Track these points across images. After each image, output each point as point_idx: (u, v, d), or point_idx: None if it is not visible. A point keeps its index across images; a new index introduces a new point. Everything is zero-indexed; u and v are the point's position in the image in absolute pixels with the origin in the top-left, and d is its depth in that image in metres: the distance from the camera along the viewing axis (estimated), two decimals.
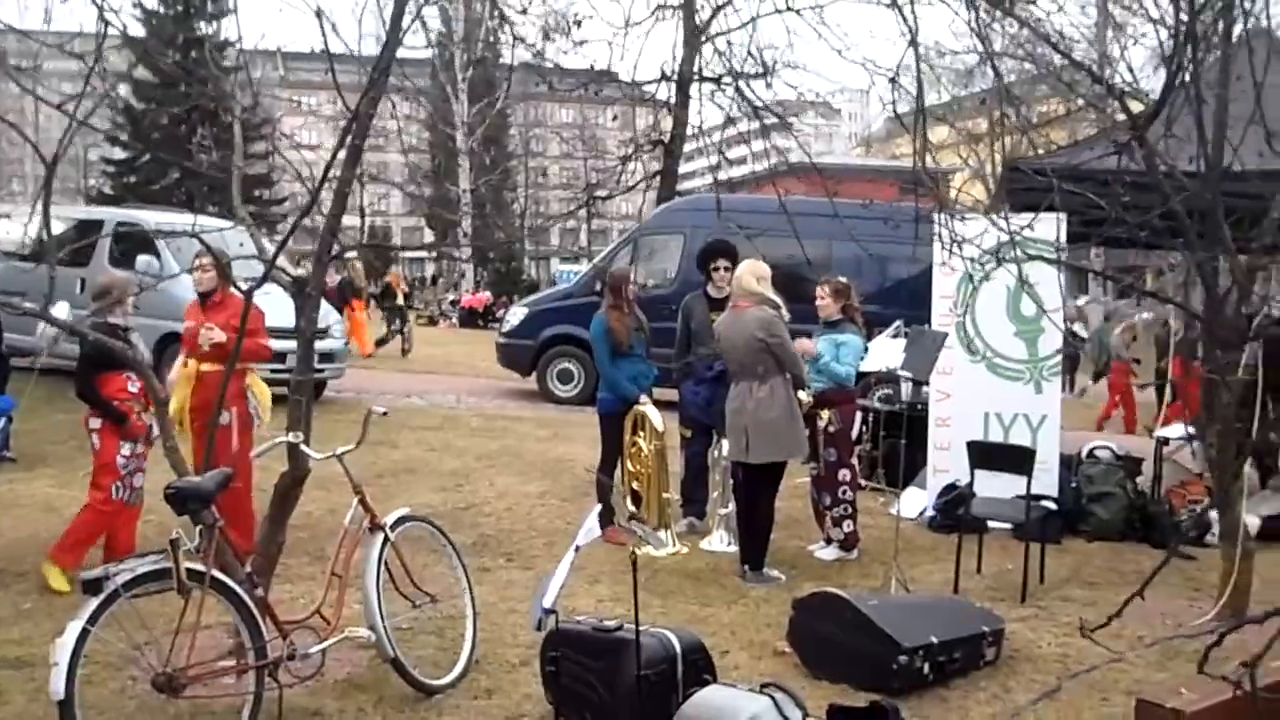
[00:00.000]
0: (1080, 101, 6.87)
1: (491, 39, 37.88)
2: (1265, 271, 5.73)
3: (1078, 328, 21.59)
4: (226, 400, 6.51)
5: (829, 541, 7.31)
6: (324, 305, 13.99)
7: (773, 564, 6.79)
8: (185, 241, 9.76)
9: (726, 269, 7.66)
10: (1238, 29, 6.04)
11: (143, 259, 11.71)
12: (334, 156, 4.25)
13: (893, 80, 3.19)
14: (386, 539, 4.73)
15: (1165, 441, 8.59)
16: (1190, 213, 5.61)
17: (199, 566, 3.88)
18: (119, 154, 34.34)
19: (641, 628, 4.36)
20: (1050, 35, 5.29)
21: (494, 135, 47.99)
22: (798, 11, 5.57)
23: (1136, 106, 5.68)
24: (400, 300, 23.64)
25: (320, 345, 12.64)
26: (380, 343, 21.93)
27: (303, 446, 4.62)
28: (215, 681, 4.03)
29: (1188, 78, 5.32)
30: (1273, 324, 6.37)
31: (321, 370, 12.97)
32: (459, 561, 5.19)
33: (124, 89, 31.49)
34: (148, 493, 6.07)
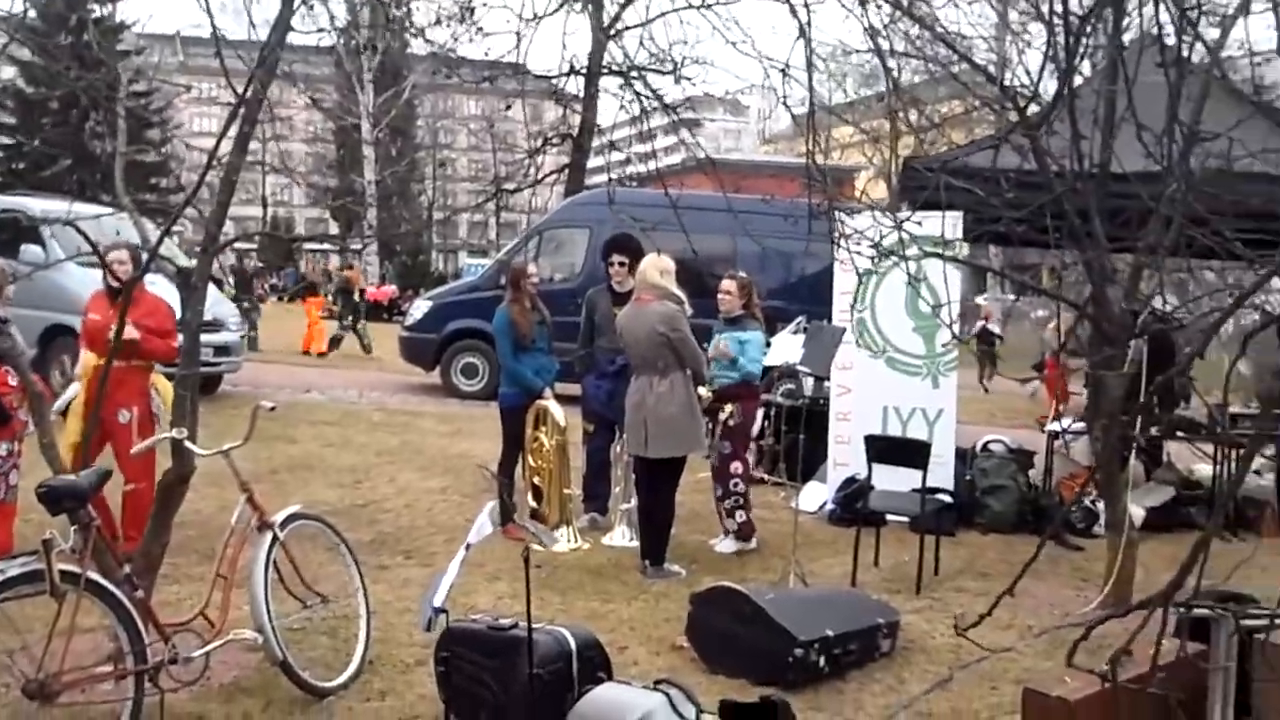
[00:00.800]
0: (976, 102, 6.98)
1: (397, 28, 37.34)
2: (1150, 270, 5.88)
3: (994, 325, 22.06)
4: (128, 398, 6.31)
5: (726, 534, 7.35)
6: (217, 296, 13.60)
7: (674, 559, 6.79)
8: (74, 231, 9.41)
9: (623, 264, 7.65)
10: (1126, 36, 6.21)
11: (29, 249, 11.29)
12: (217, 144, 4.11)
13: (783, 71, 3.19)
14: (275, 538, 4.60)
15: (1056, 435, 8.81)
16: (1081, 213, 5.75)
17: (74, 568, 3.72)
18: (4, 140, 33.07)
19: (537, 625, 4.31)
20: (948, 36, 5.36)
21: (401, 126, 47.33)
22: (700, 8, 5.54)
23: (1035, 108, 5.79)
24: (357, 298, 22.84)
25: (216, 338, 12.36)
26: (335, 342, 21.16)
27: (187, 443, 4.46)
28: (92, 687, 3.87)
29: (1078, 82, 5.45)
30: (1156, 321, 6.55)
31: (217, 364, 12.66)
32: (352, 560, 5.08)
33: (11, 71, 30.32)
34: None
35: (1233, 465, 8.09)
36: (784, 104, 3.58)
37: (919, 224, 5.48)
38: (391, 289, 37.88)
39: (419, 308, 16.23)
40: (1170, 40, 5.29)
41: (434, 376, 15.44)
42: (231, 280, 22.76)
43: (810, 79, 3.06)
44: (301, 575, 4.77)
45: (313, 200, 59.97)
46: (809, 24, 2.97)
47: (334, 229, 56.35)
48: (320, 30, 21.02)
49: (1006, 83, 6.13)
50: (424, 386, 15.62)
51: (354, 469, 9.46)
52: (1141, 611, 2.25)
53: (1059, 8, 5.27)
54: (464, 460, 9.91)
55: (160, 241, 4.55)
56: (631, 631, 5.60)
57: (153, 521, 4.67)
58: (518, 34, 6.83)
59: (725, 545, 7.30)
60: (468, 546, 3.80)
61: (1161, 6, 4.70)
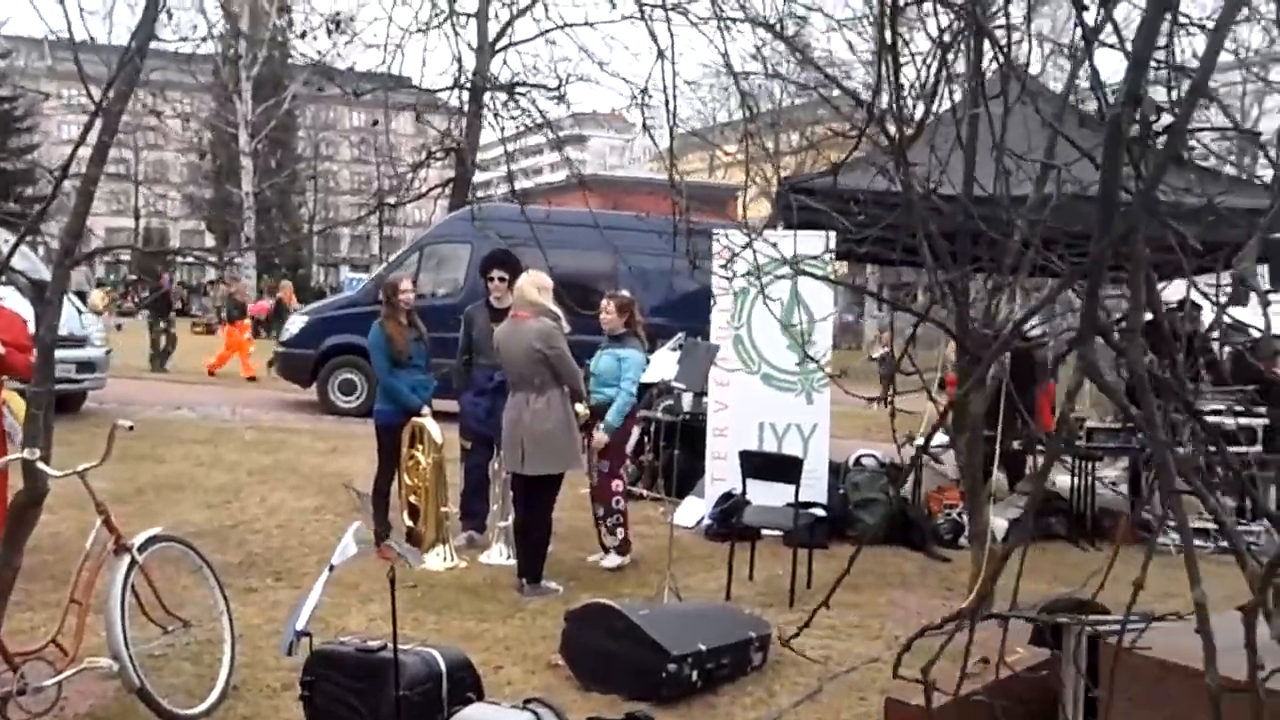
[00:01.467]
0: (847, 125, 7.17)
1: (280, 38, 36.62)
2: (1010, 289, 6.11)
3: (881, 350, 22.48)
4: None
5: (607, 551, 7.37)
6: (72, 311, 13.03)
7: (551, 576, 6.78)
8: None
9: (502, 280, 7.61)
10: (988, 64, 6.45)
11: None
12: (73, 153, 3.98)
13: (640, 94, 3.24)
14: (134, 561, 4.45)
15: (925, 449, 9.04)
16: (945, 234, 5.94)
17: None
18: None
19: (407, 646, 4.26)
20: (816, 60, 5.51)
21: (281, 137, 46.37)
22: (562, 28, 5.58)
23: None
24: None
25: (79, 354, 11.92)
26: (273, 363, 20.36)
27: (39, 464, 4.29)
28: None
29: (945, 106, 5.64)
30: (1018, 339, 6.80)
31: (80, 381, 12.20)
32: (216, 583, 4.94)
33: None
34: None
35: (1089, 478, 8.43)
36: (644, 127, 3.62)
37: (773, 244, 5.59)
38: (268, 303, 36.88)
39: (295, 323, 15.91)
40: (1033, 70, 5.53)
41: (311, 393, 15.14)
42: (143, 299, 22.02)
43: (668, 100, 3.11)
44: (162, 600, 4.62)
45: (189, 211, 58.34)
46: (672, 44, 3.03)
47: (210, 241, 54.92)
48: (183, 39, 20.40)
49: (883, 105, 6.31)
50: (300, 403, 15.28)
51: (224, 488, 9.20)
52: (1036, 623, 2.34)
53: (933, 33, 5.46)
54: (340, 478, 9.71)
55: (12, 253, 4.36)
56: (507, 650, 5.57)
57: (3, 545, 4.46)
58: (399, 46, 6.77)
59: (610, 560, 7.32)
60: (331, 568, 3.74)
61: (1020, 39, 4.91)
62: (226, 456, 10.75)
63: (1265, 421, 8.31)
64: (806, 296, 8.19)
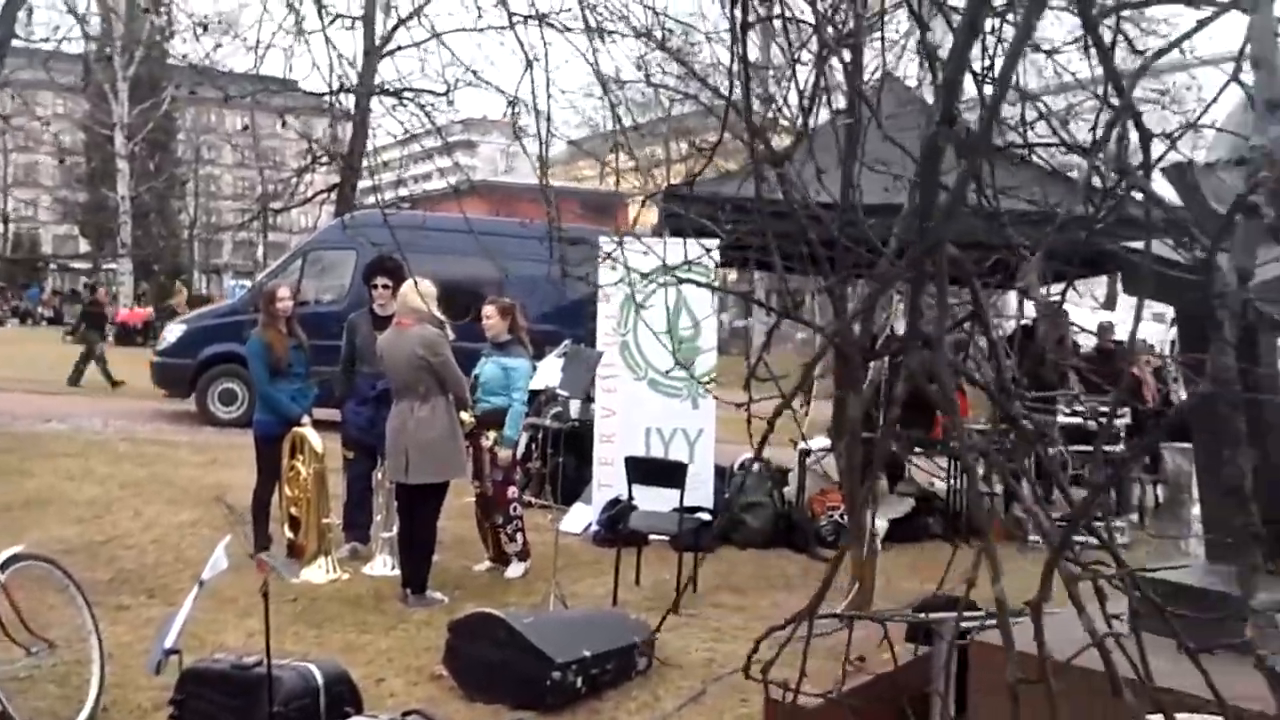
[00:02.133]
0: (728, 134, 7.28)
1: (157, 37, 35.49)
2: (887, 296, 6.25)
3: None
4: None
5: (506, 560, 7.35)
6: None
7: (436, 586, 6.71)
8: None
9: (386, 287, 7.52)
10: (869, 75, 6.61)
11: None
12: None
13: (512, 103, 3.25)
14: None
15: (808, 453, 9.22)
16: (824, 241, 6.07)
17: None
18: None
19: (283, 661, 4.18)
20: (697, 70, 5.58)
21: (159, 139, 44.90)
22: (433, 39, 5.54)
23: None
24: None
25: None
26: (78, 374, 19.35)
27: None
28: None
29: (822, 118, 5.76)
30: (895, 342, 6.97)
31: None
32: (84, 601, 4.77)
33: None
34: None
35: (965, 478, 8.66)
36: (516, 135, 3.63)
37: (645, 250, 5.65)
38: (147, 310, 35.70)
39: (173, 331, 15.45)
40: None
41: (189, 403, 14.72)
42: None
43: (536, 107, 3.12)
44: (25, 620, 4.44)
45: (61, 215, 56.13)
46: (546, 53, 3.04)
47: (85, 247, 52.95)
48: (55, 40, 19.63)
49: (771, 115, 6.43)
50: (178, 414, 14.84)
51: (95, 503, 8.88)
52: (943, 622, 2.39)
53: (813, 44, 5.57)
54: (218, 491, 9.46)
55: None
56: (390, 662, 5.50)
57: None
58: (277, 48, 6.64)
59: (514, 570, 7.30)
60: (201, 583, 3.65)
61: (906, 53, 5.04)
62: (98, 470, 10.38)
63: (1128, 420, 8.69)
64: (692, 303, 8.28)
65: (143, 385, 16.97)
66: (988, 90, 2.04)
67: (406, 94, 24.74)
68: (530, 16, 3.16)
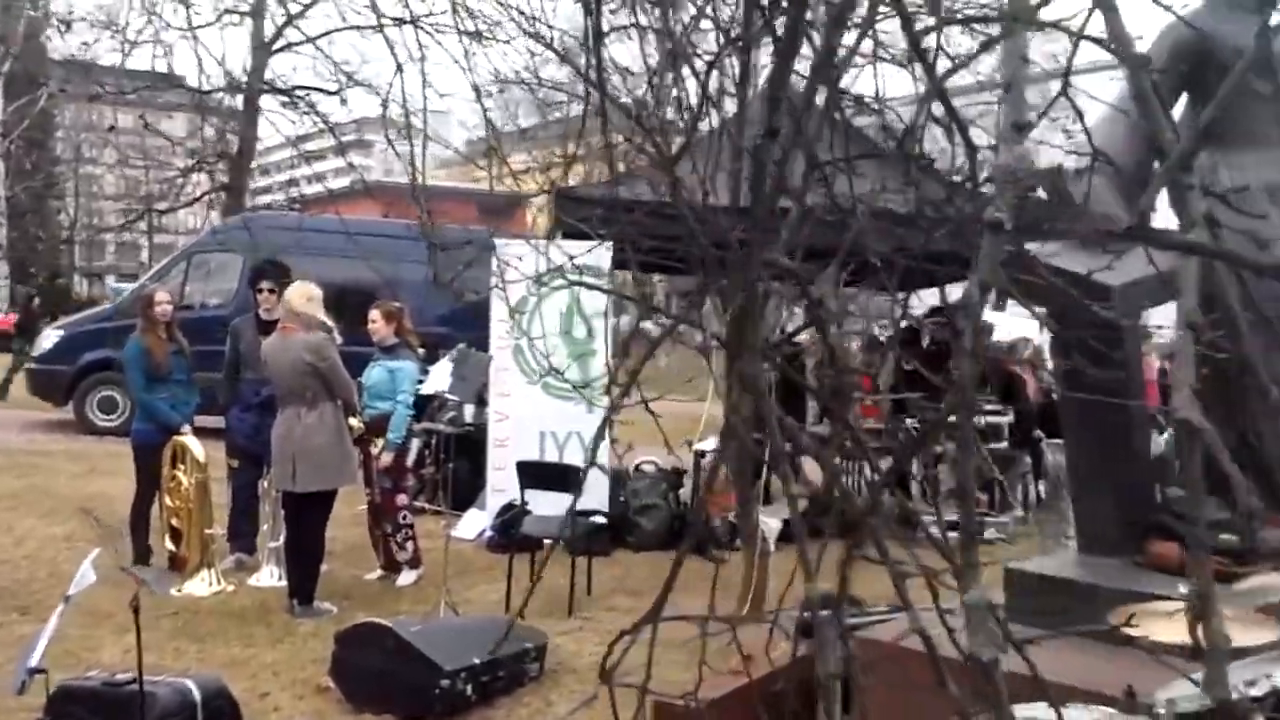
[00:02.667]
0: (619, 137, 7.29)
1: (35, 31, 34.16)
2: (778, 297, 6.32)
3: None
4: None
5: (398, 568, 7.24)
6: None
7: (325, 596, 6.58)
8: None
9: (271, 290, 7.35)
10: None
11: None
12: None
13: (384, 105, 3.20)
14: None
15: (703, 454, 9.28)
16: (716, 244, 6.11)
17: None
18: None
19: (158, 677, 4.06)
20: (587, 73, 5.54)
21: (37, 137, 43.20)
22: (308, 42, 5.44)
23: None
24: None
25: None
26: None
27: None
28: None
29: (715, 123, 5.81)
30: (788, 344, 7.06)
31: None
32: None
33: None
34: None
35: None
36: (388, 140, 3.57)
37: (531, 250, 5.65)
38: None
39: (49, 337, 14.88)
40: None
41: (67, 412, 14.19)
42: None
43: (405, 108, 3.08)
44: None
45: None
46: (423, 54, 2.99)
47: None
48: None
49: (651, 119, 6.44)
50: (55, 423, 14.30)
51: None
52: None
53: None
54: (97, 503, 9.11)
55: None
56: (275, 676, 5.37)
57: None
58: (170, 46, 6.44)
59: (406, 578, 7.20)
60: (67, 599, 3.51)
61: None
62: None
63: (1010, 419, 8.93)
64: (586, 306, 8.27)
65: (18, 393, 16.33)
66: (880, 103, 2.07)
67: (297, 92, 24.29)
68: (400, 19, 3.12)
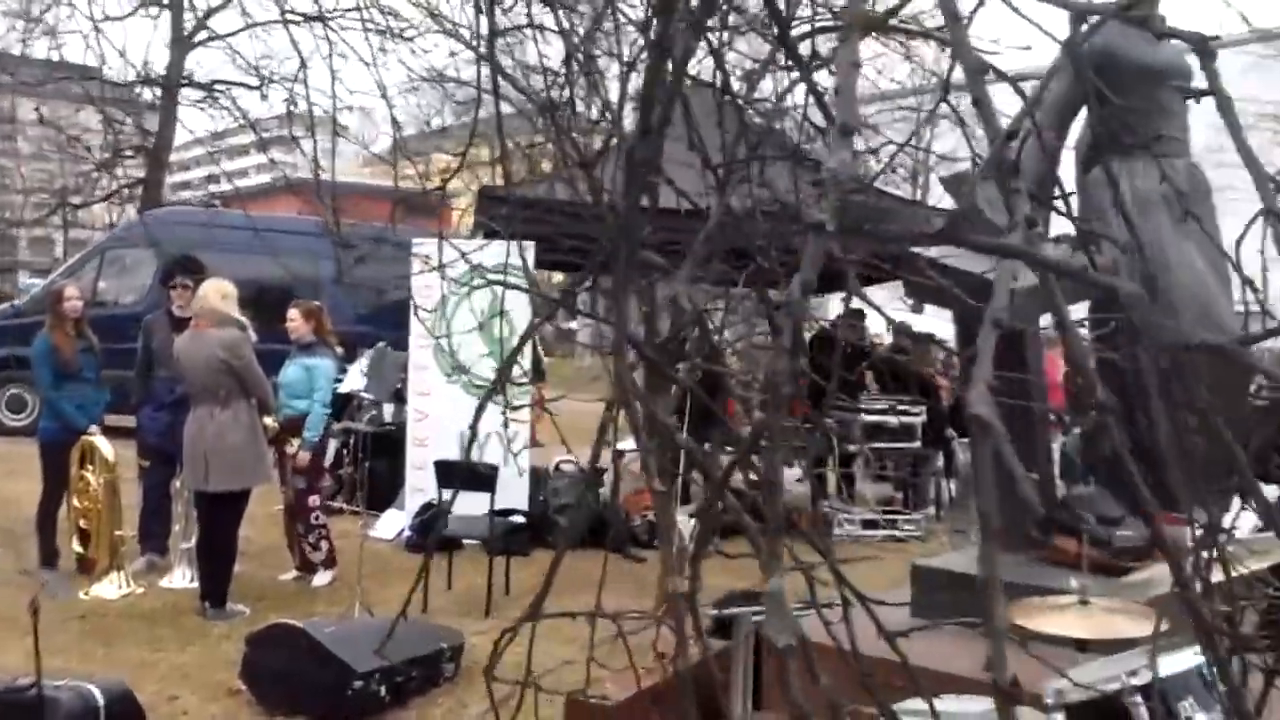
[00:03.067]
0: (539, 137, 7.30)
1: None
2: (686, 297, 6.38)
3: None
4: None
5: (314, 569, 7.17)
6: None
7: (239, 597, 6.50)
8: None
9: (186, 287, 7.23)
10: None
11: None
12: None
13: (287, 103, 3.17)
14: None
15: (622, 453, 9.30)
16: (631, 244, 6.15)
17: None
18: None
19: (61, 681, 3.98)
20: (509, 73, 5.55)
21: None
22: (218, 38, 5.39)
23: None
24: None
25: None
26: None
27: None
28: None
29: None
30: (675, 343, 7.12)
31: None
32: None
33: None
34: None
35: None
36: (293, 138, 3.55)
37: (487, 252, 5.64)
38: None
39: None
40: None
41: None
42: None
43: (333, 109, 3.07)
44: None
45: None
46: (330, 56, 2.97)
47: None
48: None
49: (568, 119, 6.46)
50: None
51: None
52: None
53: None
54: (3, 504, 8.91)
55: None
56: (185, 679, 5.29)
57: None
58: (84, 36, 6.31)
59: (321, 578, 7.14)
60: None
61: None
62: None
63: (923, 418, 9.10)
64: (508, 305, 8.23)
65: None
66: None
67: (218, 86, 23.82)
68: (306, 16, 3.10)
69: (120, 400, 7.77)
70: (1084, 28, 1.07)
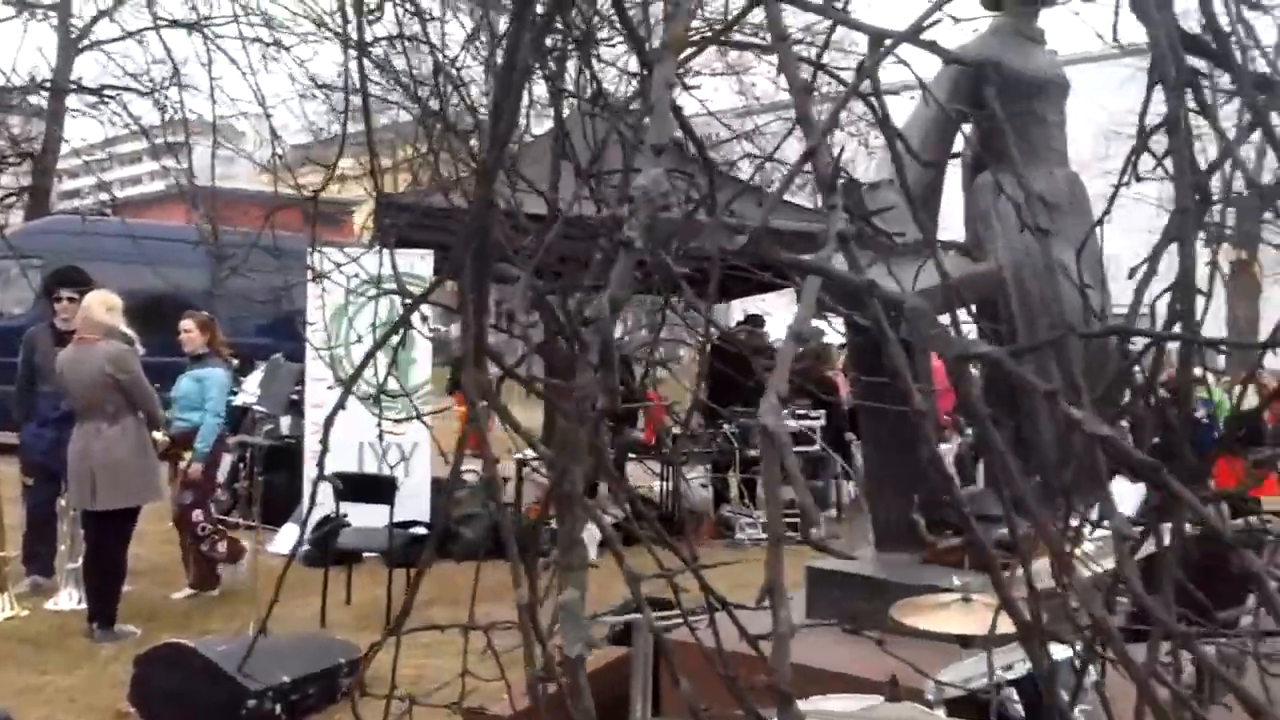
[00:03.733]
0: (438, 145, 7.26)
1: None
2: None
3: None
4: None
5: (208, 584, 7.04)
6: None
7: (128, 618, 6.32)
8: None
9: (70, 299, 7.02)
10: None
11: None
12: None
13: (161, 110, 3.12)
14: None
15: (525, 462, 9.28)
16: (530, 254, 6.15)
17: None
18: None
19: None
20: (403, 79, 5.51)
21: None
22: (133, 34, 5.25)
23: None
24: None
25: None
26: None
27: None
28: None
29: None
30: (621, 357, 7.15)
31: None
32: None
33: None
34: None
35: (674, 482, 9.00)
36: (167, 145, 3.48)
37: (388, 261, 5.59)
38: None
39: None
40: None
41: None
42: None
43: (213, 116, 3.02)
44: None
45: None
46: (209, 64, 2.93)
47: None
48: None
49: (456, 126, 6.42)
50: None
51: None
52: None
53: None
54: None
55: None
56: (71, 703, 5.15)
57: None
58: None
59: (232, 570, 7.10)
60: None
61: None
62: None
63: (822, 422, 9.26)
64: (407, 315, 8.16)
65: None
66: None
67: (107, 92, 23.12)
68: (180, 23, 3.05)
69: (2, 416, 7.51)
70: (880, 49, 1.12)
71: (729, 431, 8.99)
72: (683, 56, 1.37)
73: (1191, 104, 1.23)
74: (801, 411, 9.00)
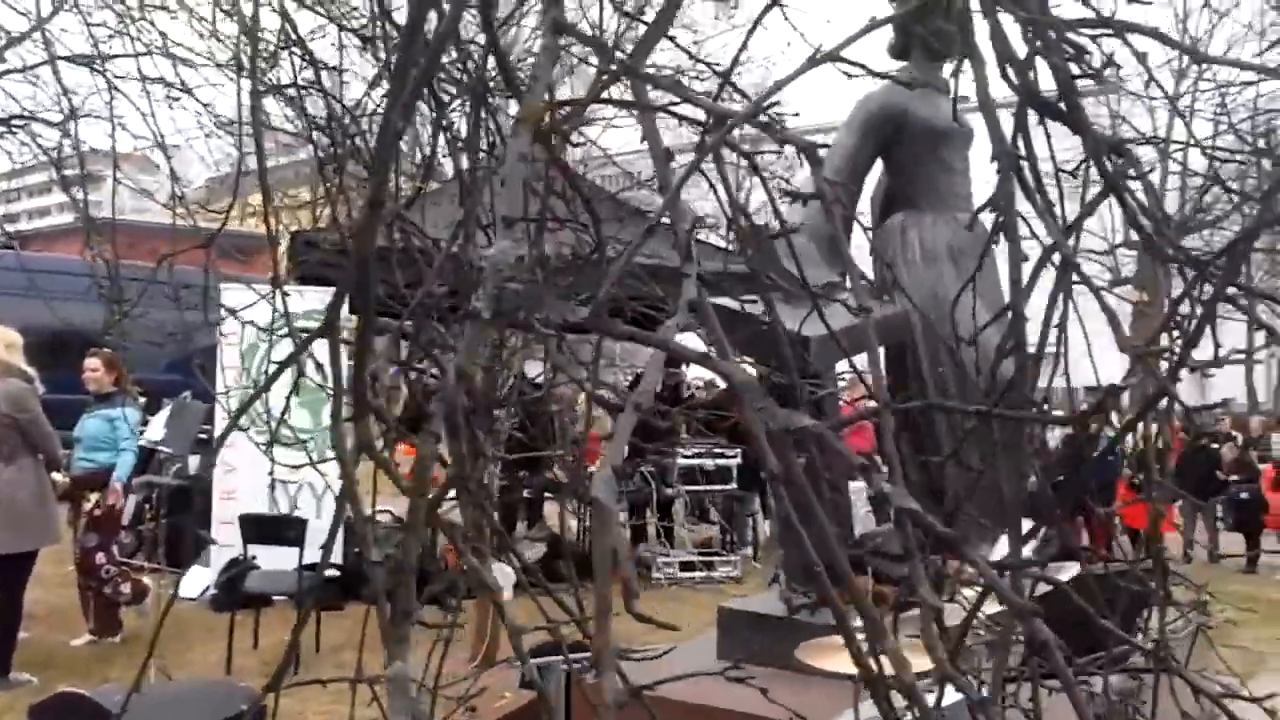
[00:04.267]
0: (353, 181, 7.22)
1: None
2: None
3: None
4: None
5: (109, 630, 6.82)
6: None
7: (24, 665, 6.11)
8: None
9: None
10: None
11: None
12: None
13: (63, 137, 3.07)
14: None
15: (440, 504, 9.19)
16: (452, 291, 6.14)
17: None
18: None
19: None
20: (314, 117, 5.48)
21: None
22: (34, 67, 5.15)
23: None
24: None
25: None
26: None
27: None
28: None
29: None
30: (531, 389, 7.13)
31: None
32: None
33: None
34: None
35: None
36: (62, 177, 3.42)
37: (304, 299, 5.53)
38: None
39: None
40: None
41: None
42: None
43: (113, 151, 2.97)
44: None
45: None
46: (110, 97, 2.88)
47: None
48: None
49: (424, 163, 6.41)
50: None
51: None
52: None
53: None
54: None
55: None
56: None
57: None
58: None
59: (144, 606, 6.89)
60: None
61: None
62: None
63: (738, 461, 9.31)
64: (320, 353, 8.06)
65: None
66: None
67: (15, 121, 22.64)
68: (74, 58, 3.00)
69: None
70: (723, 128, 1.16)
71: (645, 472, 9.00)
72: (568, 114, 1.40)
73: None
74: (719, 450, 9.05)
